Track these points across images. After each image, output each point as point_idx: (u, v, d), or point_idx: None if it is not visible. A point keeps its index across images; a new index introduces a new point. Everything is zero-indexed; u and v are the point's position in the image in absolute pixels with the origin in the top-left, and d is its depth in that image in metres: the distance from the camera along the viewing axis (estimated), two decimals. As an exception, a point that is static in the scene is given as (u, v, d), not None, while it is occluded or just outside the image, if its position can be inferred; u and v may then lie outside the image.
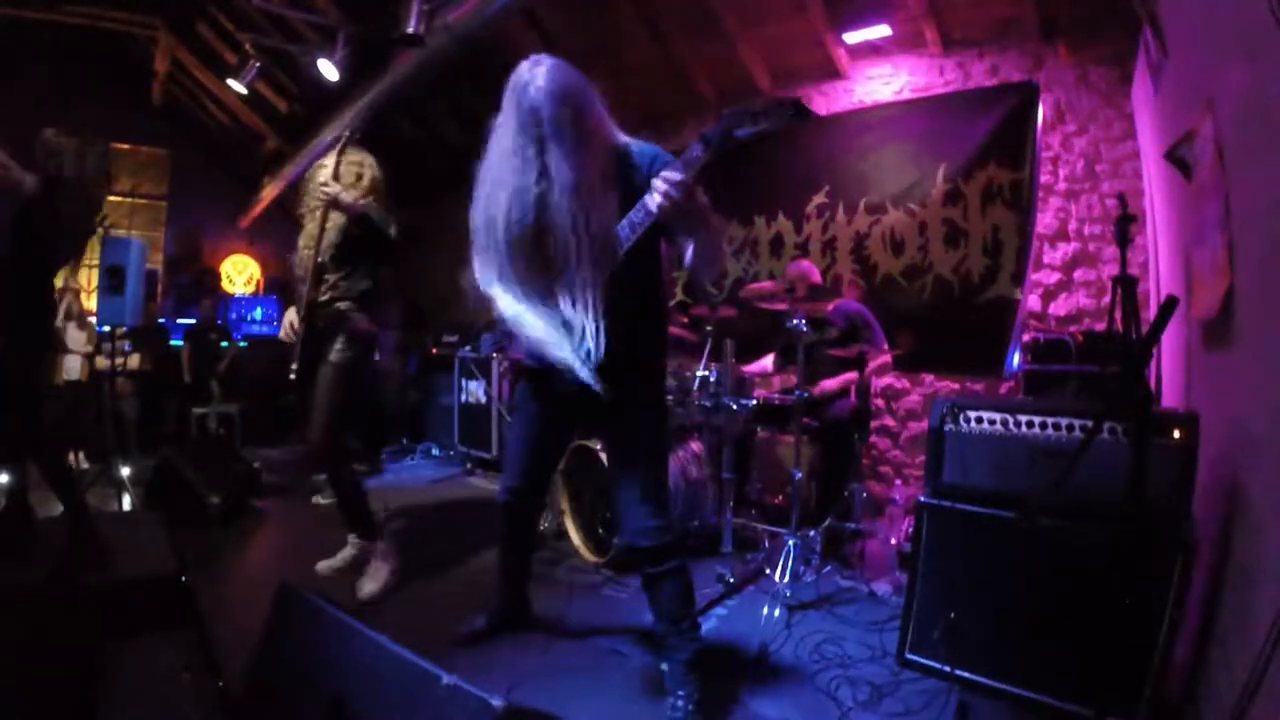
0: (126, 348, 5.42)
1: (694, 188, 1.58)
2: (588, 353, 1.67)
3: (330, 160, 2.70)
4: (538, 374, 1.97)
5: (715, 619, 2.52)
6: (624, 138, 1.81)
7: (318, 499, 4.08)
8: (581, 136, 1.66)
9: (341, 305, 2.72)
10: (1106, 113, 3.66)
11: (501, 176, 1.71)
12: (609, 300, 1.72)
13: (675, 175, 1.55)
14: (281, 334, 2.76)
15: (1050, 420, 1.89)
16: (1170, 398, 2.64)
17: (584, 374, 1.67)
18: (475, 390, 5.16)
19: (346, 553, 2.88)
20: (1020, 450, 1.92)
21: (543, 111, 1.64)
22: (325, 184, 2.61)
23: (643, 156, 1.77)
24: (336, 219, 2.67)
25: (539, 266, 1.70)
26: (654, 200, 1.58)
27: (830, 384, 3.34)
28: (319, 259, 2.68)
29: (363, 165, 2.80)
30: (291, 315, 2.74)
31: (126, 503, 3.71)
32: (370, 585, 2.69)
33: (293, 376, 2.69)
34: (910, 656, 2.03)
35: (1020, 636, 1.81)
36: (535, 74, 1.67)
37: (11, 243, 2.44)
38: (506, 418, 4.80)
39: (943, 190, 3.99)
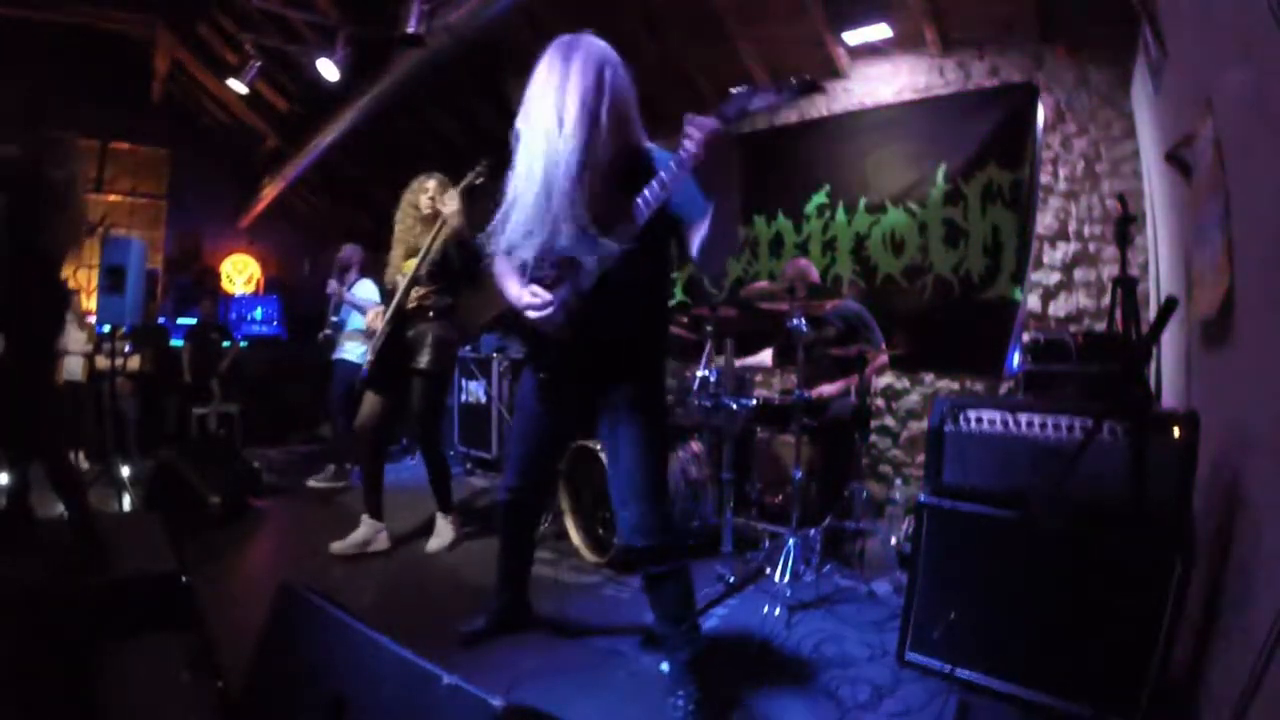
0: (127, 348, 5.42)
1: (726, 138, 1.55)
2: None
3: (452, 195, 2.99)
4: (538, 361, 1.97)
5: (715, 619, 2.51)
6: (648, 142, 1.81)
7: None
8: (613, 110, 1.68)
9: (431, 316, 3.10)
10: (1106, 113, 3.65)
11: (536, 141, 1.71)
12: (614, 294, 1.72)
13: (704, 120, 1.53)
14: (366, 326, 3.45)
15: (1050, 420, 1.89)
16: (1170, 398, 2.64)
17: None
18: (475, 390, 5.16)
19: (359, 533, 3.16)
20: (1020, 450, 1.92)
21: (586, 79, 1.65)
22: (452, 215, 2.94)
23: (659, 160, 1.77)
24: (441, 238, 3.00)
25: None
26: (687, 145, 1.54)
27: (829, 389, 3.34)
28: (418, 271, 3.01)
29: (433, 191, 3.10)
30: (374, 315, 3.31)
31: (126, 503, 3.71)
32: (343, 545, 3.07)
33: (365, 369, 3.15)
34: (910, 656, 2.04)
35: (1020, 636, 1.81)
36: (581, 43, 1.70)
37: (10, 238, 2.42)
38: (507, 417, 4.80)
39: (943, 190, 3.99)
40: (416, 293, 3.08)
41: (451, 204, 2.96)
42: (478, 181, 2.93)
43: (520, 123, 1.75)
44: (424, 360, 3.07)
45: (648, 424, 1.86)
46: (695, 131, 1.53)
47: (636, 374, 1.87)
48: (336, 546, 3.08)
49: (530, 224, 1.72)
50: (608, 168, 1.72)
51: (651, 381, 1.93)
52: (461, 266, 3.02)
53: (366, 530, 3.16)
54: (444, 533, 3.28)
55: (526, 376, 2.07)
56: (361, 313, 3.96)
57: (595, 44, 1.74)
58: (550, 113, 1.67)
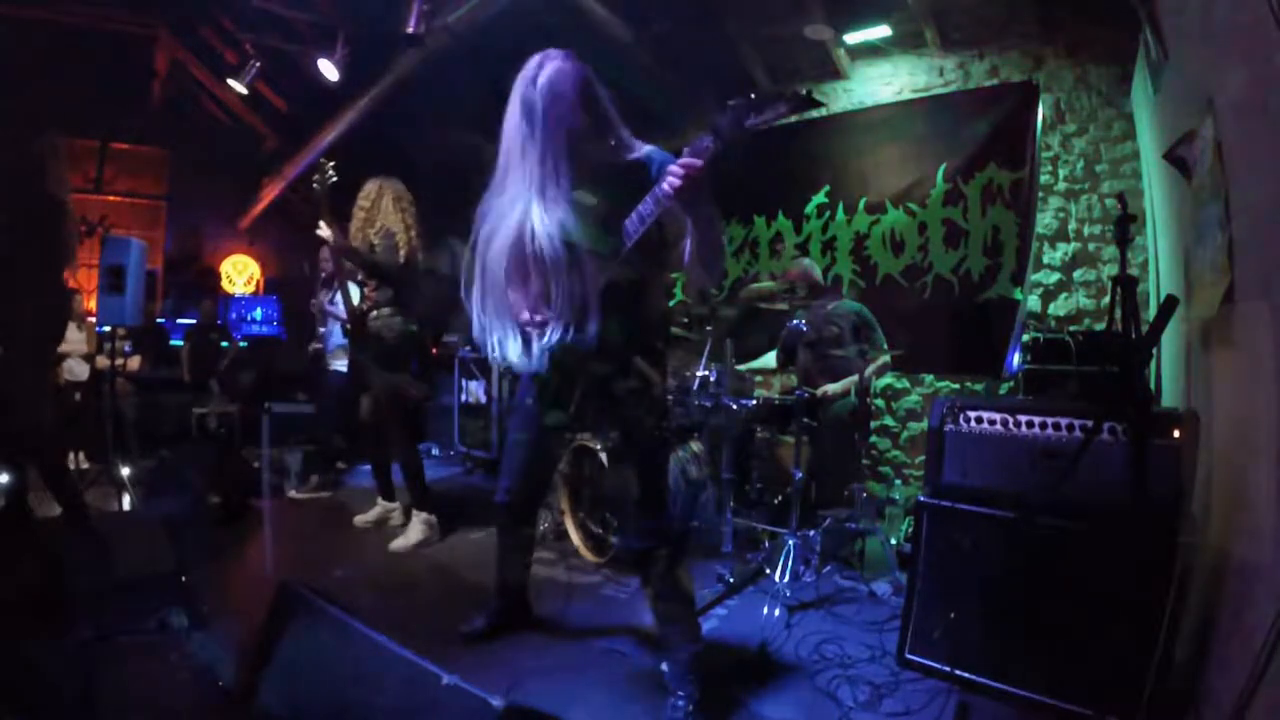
0: (127, 348, 5.42)
1: (704, 175, 1.55)
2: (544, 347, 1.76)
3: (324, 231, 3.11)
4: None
5: (715, 619, 2.51)
6: (645, 148, 1.81)
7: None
8: (578, 138, 1.68)
9: (375, 313, 3.25)
10: (1106, 113, 3.66)
11: (503, 182, 1.74)
12: (610, 299, 1.73)
13: (689, 160, 1.53)
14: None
15: (1050, 420, 1.89)
16: (1170, 398, 2.64)
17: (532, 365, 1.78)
18: (475, 390, 5.16)
19: (375, 511, 3.56)
20: (1020, 450, 1.92)
21: (538, 112, 1.65)
22: (322, 232, 3.07)
23: (652, 162, 1.78)
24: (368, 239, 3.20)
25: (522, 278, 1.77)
26: (666, 183, 1.55)
27: (833, 388, 3.34)
28: (357, 279, 3.30)
29: (369, 197, 3.23)
30: None
31: (126, 503, 3.71)
32: (403, 540, 3.22)
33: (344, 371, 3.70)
34: (910, 656, 2.04)
35: (1020, 636, 1.81)
36: (540, 72, 1.69)
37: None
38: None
39: (943, 190, 3.99)
40: (362, 294, 3.33)
41: (331, 234, 3.11)
42: (330, 182, 3.09)
43: (503, 134, 1.76)
44: (377, 355, 3.30)
45: (645, 429, 1.86)
46: (674, 168, 1.54)
47: (633, 380, 1.87)
48: (359, 519, 3.51)
49: (512, 236, 1.74)
50: (595, 180, 1.72)
51: (648, 386, 1.92)
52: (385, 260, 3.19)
53: (380, 510, 3.54)
54: (409, 528, 3.28)
55: (524, 379, 2.07)
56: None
57: (567, 59, 1.74)
58: (522, 129, 1.68)
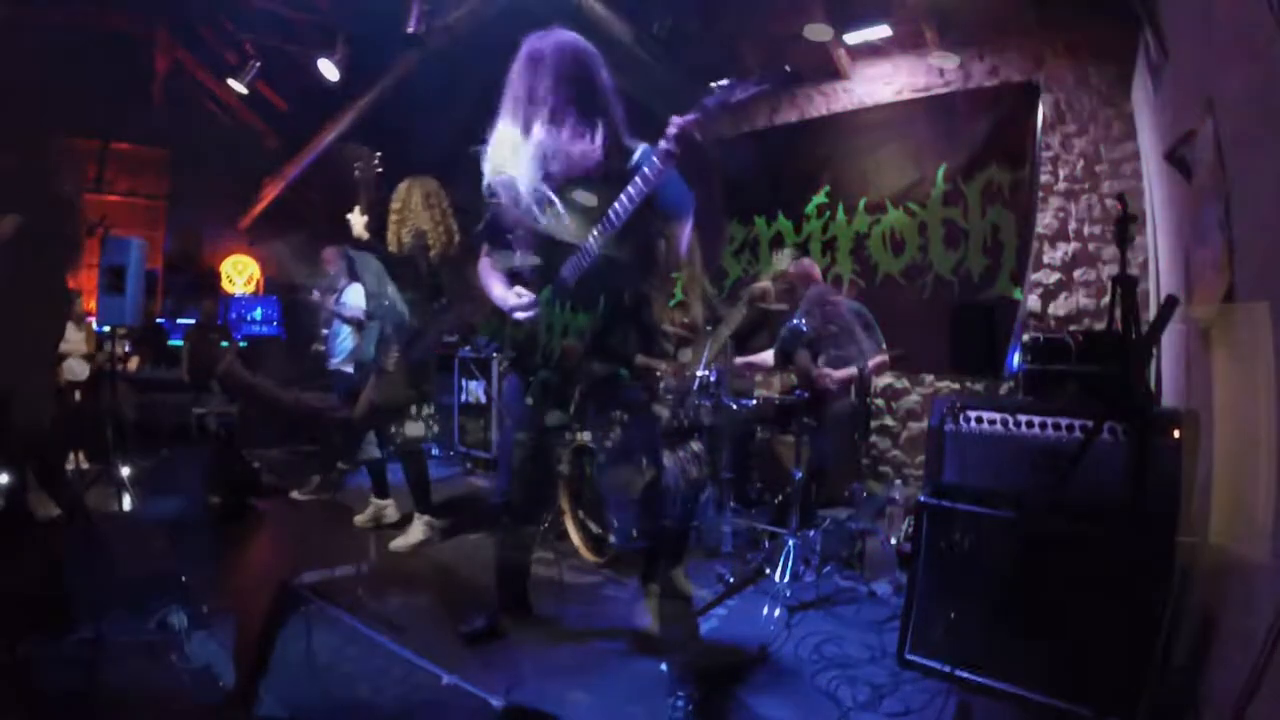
0: (127, 348, 5.42)
1: (695, 137, 1.58)
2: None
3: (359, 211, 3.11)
4: (526, 364, 1.97)
5: (715, 619, 2.51)
6: (640, 148, 1.82)
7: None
8: (588, 109, 1.70)
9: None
10: (1106, 113, 3.66)
11: (508, 139, 1.76)
12: (598, 294, 1.73)
13: (681, 121, 1.56)
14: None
15: (1050, 420, 1.89)
16: (1170, 398, 2.64)
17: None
18: (475, 390, 5.16)
19: (370, 510, 3.59)
20: (1020, 450, 1.92)
21: (545, 63, 1.69)
22: (352, 217, 3.08)
23: (645, 158, 1.78)
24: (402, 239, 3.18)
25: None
26: (665, 139, 1.57)
27: (834, 374, 3.32)
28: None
29: (400, 199, 3.17)
30: None
31: (126, 503, 3.71)
32: (403, 540, 3.25)
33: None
34: (910, 656, 2.04)
35: (1020, 636, 1.81)
36: (554, 33, 1.74)
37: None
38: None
39: (943, 190, 3.99)
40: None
41: (357, 223, 3.11)
42: (375, 172, 3.09)
43: (498, 123, 1.77)
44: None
45: (635, 427, 1.86)
46: (673, 128, 1.55)
47: (624, 377, 1.87)
48: (358, 519, 3.54)
49: (507, 224, 1.75)
50: (586, 167, 1.72)
51: (639, 383, 1.92)
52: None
53: (374, 509, 3.56)
54: (410, 528, 3.30)
55: (512, 380, 2.06)
56: (354, 325, 3.81)
57: (569, 40, 1.74)
58: (519, 114, 1.68)
